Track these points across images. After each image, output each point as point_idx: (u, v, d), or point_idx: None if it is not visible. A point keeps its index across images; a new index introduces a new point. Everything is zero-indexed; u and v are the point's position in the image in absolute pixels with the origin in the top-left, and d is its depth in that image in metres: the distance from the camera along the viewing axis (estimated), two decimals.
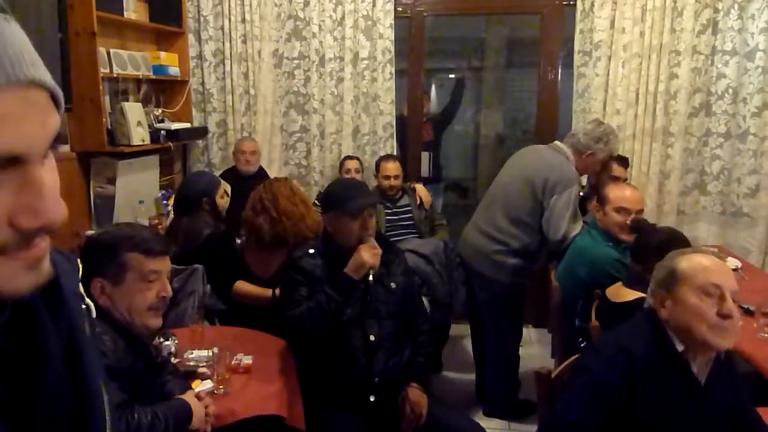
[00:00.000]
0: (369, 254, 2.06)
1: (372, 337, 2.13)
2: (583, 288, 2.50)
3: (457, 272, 3.15)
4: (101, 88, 3.12)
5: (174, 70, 3.83)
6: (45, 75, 0.50)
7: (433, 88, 6.25)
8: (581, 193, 3.17)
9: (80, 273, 0.72)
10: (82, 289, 0.70)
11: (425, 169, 4.42)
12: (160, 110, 3.87)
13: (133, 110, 3.35)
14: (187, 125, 3.87)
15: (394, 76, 3.95)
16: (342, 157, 3.92)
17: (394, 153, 3.98)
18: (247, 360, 1.98)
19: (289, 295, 2.14)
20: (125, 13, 3.39)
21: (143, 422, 1.45)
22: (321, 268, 2.14)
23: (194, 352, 2.00)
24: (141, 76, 3.54)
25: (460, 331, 3.70)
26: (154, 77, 3.67)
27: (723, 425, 1.52)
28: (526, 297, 3.09)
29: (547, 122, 3.96)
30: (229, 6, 3.90)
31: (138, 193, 3.51)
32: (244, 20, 3.92)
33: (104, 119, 3.17)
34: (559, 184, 2.75)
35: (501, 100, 6.58)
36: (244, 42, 3.95)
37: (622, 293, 2.17)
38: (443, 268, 3.12)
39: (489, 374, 3.12)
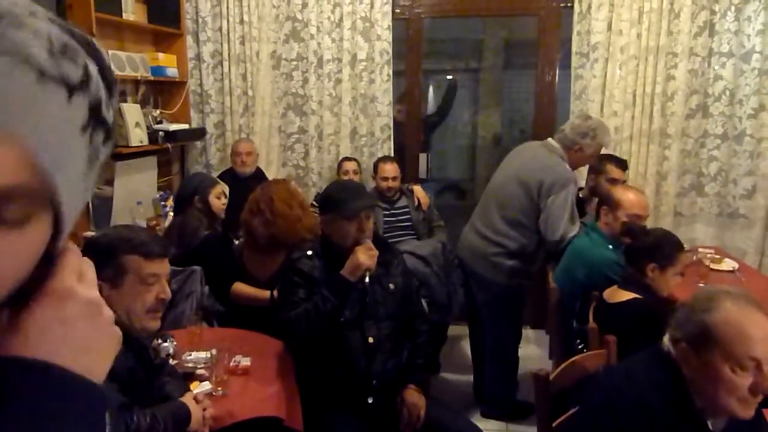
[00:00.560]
0: (365, 256, 2.06)
1: (370, 339, 2.13)
2: (581, 289, 2.51)
3: (456, 273, 3.15)
4: None
5: (172, 72, 3.83)
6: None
7: (431, 89, 6.25)
8: (580, 195, 3.18)
9: None
10: None
11: (422, 171, 4.42)
12: (158, 111, 3.87)
13: (131, 111, 3.35)
14: (185, 126, 3.87)
15: (391, 78, 3.95)
16: (340, 158, 3.92)
17: (392, 154, 3.99)
18: (245, 361, 1.98)
19: (287, 297, 2.14)
20: (123, 14, 3.38)
21: (142, 425, 1.45)
22: (319, 270, 2.14)
23: (192, 353, 2.01)
24: (139, 77, 3.53)
25: (458, 332, 3.71)
26: (152, 78, 3.67)
27: None
28: (525, 298, 3.10)
29: (544, 124, 3.96)
30: (228, 7, 3.90)
31: (136, 194, 3.51)
32: (242, 21, 3.92)
33: None
34: (555, 185, 2.75)
35: (498, 101, 6.58)
36: (243, 43, 3.95)
37: (617, 294, 2.21)
38: (441, 270, 3.12)
39: (487, 375, 3.12)
